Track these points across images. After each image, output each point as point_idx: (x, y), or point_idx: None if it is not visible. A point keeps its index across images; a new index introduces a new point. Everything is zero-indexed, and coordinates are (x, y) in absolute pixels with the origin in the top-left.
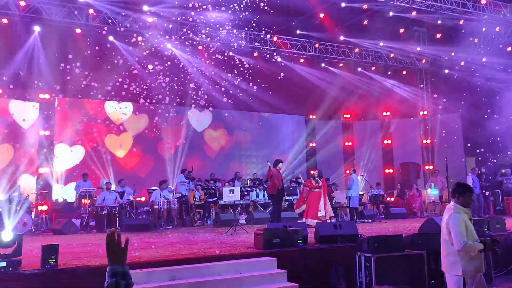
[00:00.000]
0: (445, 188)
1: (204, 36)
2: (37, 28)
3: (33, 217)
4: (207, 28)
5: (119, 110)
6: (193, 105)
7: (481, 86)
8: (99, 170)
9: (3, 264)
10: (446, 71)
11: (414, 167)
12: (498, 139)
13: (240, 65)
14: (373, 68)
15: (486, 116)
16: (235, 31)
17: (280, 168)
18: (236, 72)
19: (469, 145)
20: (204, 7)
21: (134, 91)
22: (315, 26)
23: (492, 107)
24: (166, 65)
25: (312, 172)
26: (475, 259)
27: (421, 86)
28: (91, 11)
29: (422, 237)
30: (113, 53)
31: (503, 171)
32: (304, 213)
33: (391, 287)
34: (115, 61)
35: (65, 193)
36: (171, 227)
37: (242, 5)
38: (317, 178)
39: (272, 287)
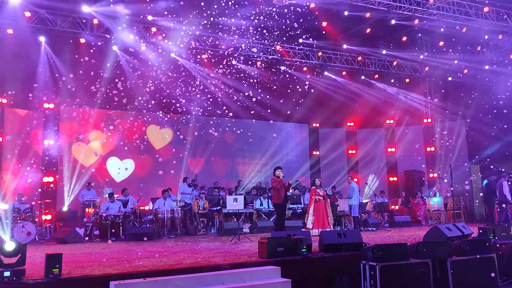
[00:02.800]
0: (450, 197)
1: (209, 44)
2: (42, 38)
3: (37, 226)
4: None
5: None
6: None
7: (484, 93)
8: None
9: (7, 273)
10: (450, 78)
11: (418, 175)
12: (503, 146)
13: (243, 73)
14: (376, 76)
15: (490, 123)
16: (246, 43)
17: (280, 175)
18: (239, 81)
19: (473, 152)
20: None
21: (141, 101)
22: (318, 35)
23: (496, 114)
24: (172, 74)
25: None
26: None
27: (425, 93)
28: (95, 21)
29: (427, 245)
30: (118, 63)
31: None
32: (314, 223)
33: None
34: (120, 71)
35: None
36: (174, 235)
37: (246, 15)
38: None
39: None
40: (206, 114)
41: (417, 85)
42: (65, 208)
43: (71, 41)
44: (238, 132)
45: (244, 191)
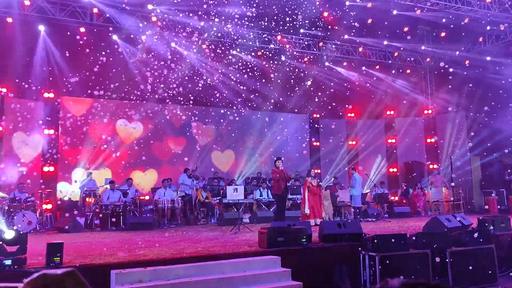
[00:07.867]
0: (449, 187)
1: (209, 34)
2: (41, 27)
3: (37, 215)
4: (213, 28)
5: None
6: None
7: (485, 85)
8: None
9: (9, 262)
10: (451, 69)
11: (418, 166)
12: (503, 138)
13: (244, 63)
14: (377, 67)
15: (491, 115)
16: (247, 33)
17: (280, 166)
18: (240, 71)
19: (473, 144)
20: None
21: (138, 90)
22: (319, 25)
23: (497, 105)
24: (170, 64)
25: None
26: None
27: (426, 84)
28: (95, 10)
29: (426, 236)
30: (117, 52)
31: None
32: (311, 214)
33: (402, 279)
34: (119, 61)
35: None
36: (175, 225)
37: (247, 4)
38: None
39: (276, 286)
40: (204, 104)
41: (418, 76)
42: (66, 198)
43: (71, 30)
44: (237, 123)
45: (242, 178)
